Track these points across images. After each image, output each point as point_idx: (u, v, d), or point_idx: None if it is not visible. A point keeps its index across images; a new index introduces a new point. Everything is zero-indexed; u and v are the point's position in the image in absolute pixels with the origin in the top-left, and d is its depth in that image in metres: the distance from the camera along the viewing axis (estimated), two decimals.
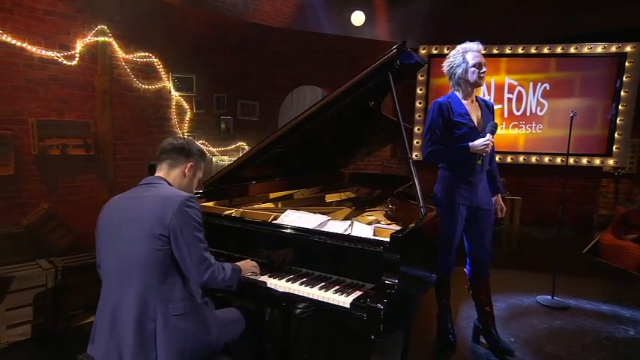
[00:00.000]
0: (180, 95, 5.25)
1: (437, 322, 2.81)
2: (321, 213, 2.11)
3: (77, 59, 4.13)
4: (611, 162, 6.39)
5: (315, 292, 1.62)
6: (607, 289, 4.05)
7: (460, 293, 3.04)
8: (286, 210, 2.11)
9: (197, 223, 1.49)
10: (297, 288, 1.67)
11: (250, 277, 1.75)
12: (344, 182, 3.54)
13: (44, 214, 3.62)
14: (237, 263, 1.71)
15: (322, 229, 1.83)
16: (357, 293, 1.60)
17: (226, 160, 5.68)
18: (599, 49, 6.25)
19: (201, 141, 5.54)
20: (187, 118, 5.38)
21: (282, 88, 6.69)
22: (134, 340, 1.38)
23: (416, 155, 6.09)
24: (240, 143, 6.04)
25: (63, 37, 4.05)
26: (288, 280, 1.73)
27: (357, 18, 7.52)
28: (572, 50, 6.35)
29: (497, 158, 6.50)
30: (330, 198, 2.82)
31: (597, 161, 6.42)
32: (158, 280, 1.44)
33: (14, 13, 3.69)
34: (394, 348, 1.79)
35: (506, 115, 6.67)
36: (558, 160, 6.44)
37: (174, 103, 5.20)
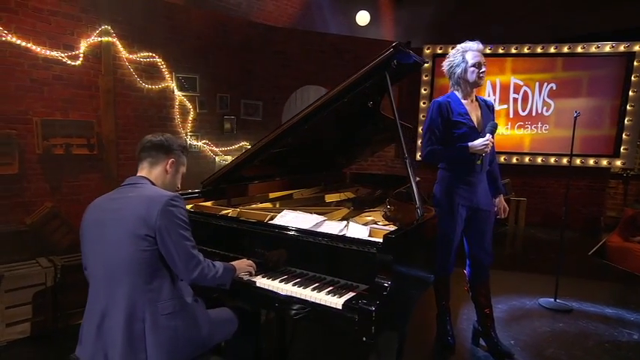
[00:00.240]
0: (183, 95, 5.26)
1: (436, 324, 2.78)
2: (318, 213, 2.10)
3: (81, 59, 4.16)
4: (618, 163, 6.31)
5: (307, 293, 1.61)
6: (612, 292, 3.98)
7: (460, 294, 3.01)
8: (283, 210, 2.10)
9: (182, 222, 1.49)
10: (289, 288, 1.66)
11: (243, 276, 1.74)
12: (345, 182, 3.53)
13: (48, 212, 3.65)
14: (233, 262, 1.70)
15: (317, 230, 1.81)
16: (350, 294, 1.58)
17: (229, 160, 5.67)
18: (607, 48, 6.17)
19: (204, 141, 5.56)
20: (190, 118, 5.39)
21: (286, 88, 6.67)
22: (123, 341, 1.38)
23: (420, 155, 6.05)
24: (243, 143, 6.04)
25: (67, 38, 4.08)
26: (281, 281, 1.72)
27: (362, 18, 7.50)
28: (579, 50, 6.27)
29: (502, 159, 6.55)
30: (329, 198, 2.81)
31: (604, 162, 6.34)
32: (145, 281, 1.43)
33: (19, 13, 3.72)
34: (389, 349, 1.77)
35: (511, 116, 6.56)
36: (564, 160, 6.36)
37: (177, 103, 5.22)
